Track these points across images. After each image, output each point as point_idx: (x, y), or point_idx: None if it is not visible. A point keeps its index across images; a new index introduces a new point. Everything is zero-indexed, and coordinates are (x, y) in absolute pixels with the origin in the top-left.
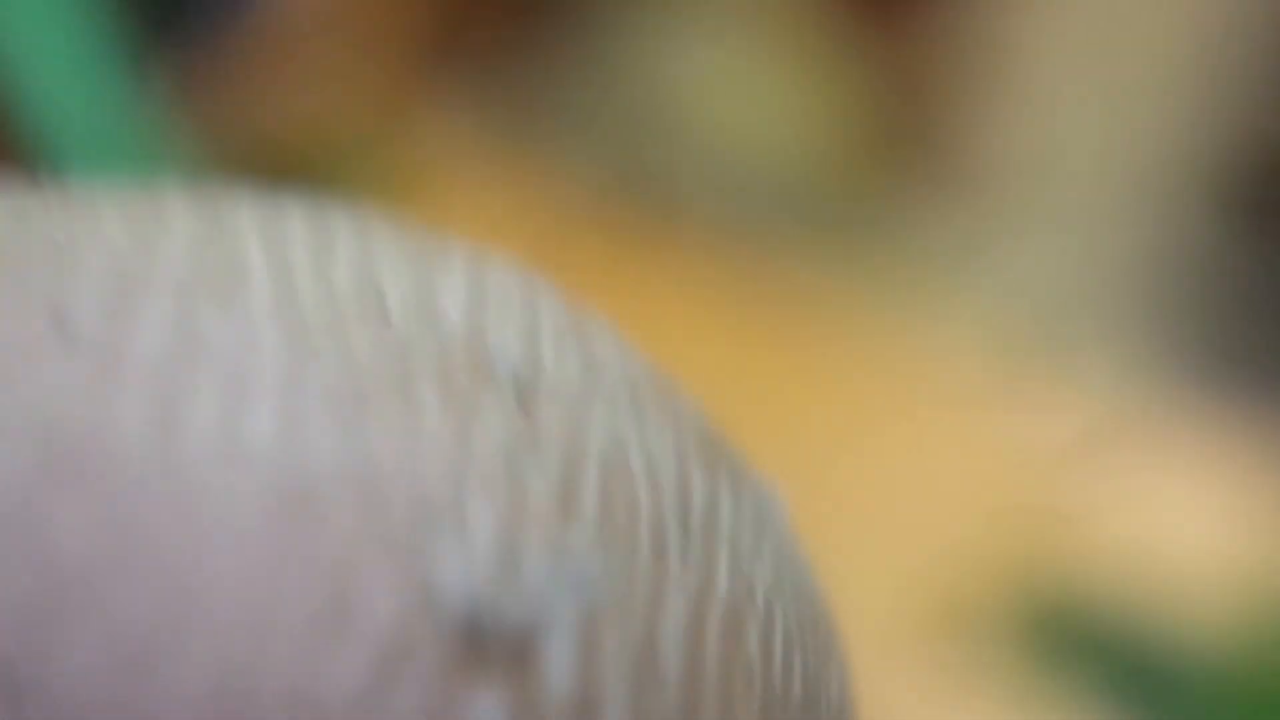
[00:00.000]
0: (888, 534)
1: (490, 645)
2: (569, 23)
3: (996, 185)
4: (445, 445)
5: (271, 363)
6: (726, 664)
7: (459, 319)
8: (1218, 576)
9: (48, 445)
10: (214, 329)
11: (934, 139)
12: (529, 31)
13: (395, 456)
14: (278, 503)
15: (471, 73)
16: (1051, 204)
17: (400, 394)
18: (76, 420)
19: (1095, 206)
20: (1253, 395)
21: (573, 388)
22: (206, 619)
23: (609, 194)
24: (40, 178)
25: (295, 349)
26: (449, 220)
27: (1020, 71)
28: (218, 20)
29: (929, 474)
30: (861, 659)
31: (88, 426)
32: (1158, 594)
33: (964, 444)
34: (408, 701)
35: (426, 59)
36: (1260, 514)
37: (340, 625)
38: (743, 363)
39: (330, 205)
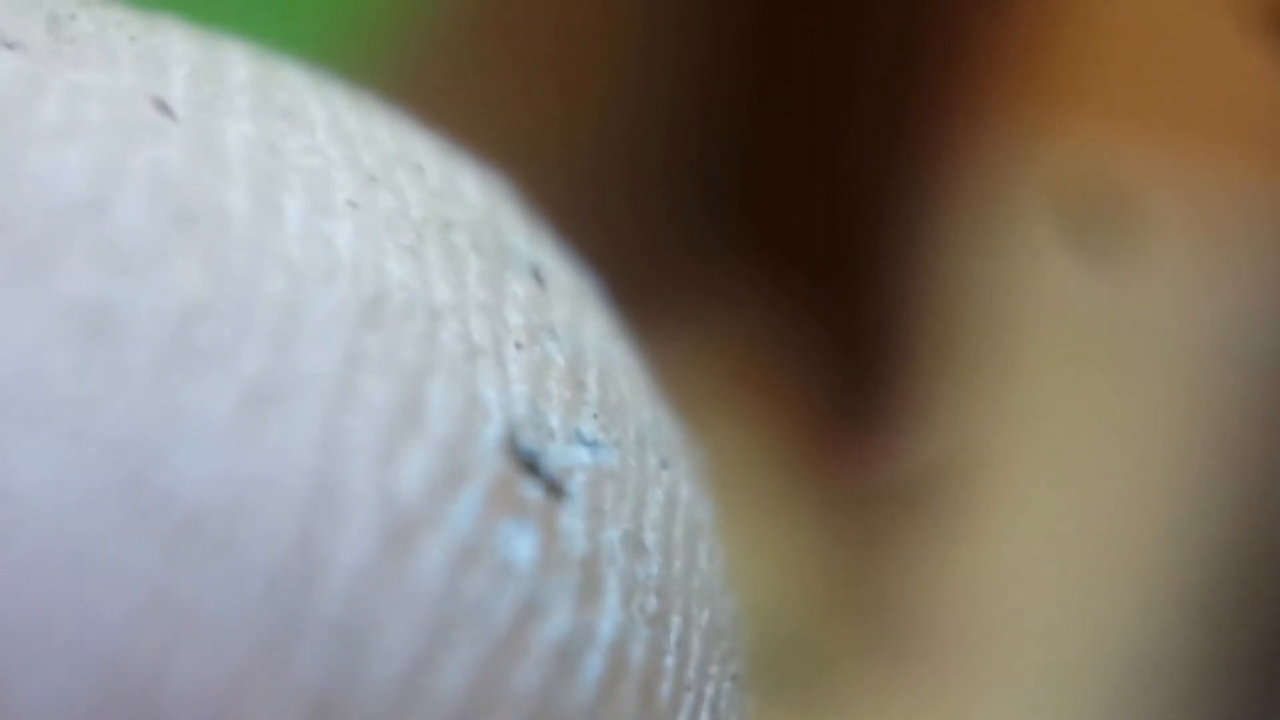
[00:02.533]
0: None
1: (527, 482)
2: None
3: (957, 658)
4: (485, 294)
5: (342, 181)
6: (688, 566)
7: (479, 203)
8: None
9: (169, 202)
10: (288, 139)
11: (896, 618)
12: None
13: (449, 292)
14: (359, 309)
15: None
16: (1014, 680)
17: (445, 241)
18: (189, 183)
19: (1060, 683)
20: None
21: (571, 292)
22: (307, 384)
23: None
24: None
25: (357, 174)
26: None
27: (981, 541)
28: None
29: None
30: None
31: (199, 192)
32: None
33: None
34: (465, 512)
35: None
36: None
37: (414, 424)
38: None
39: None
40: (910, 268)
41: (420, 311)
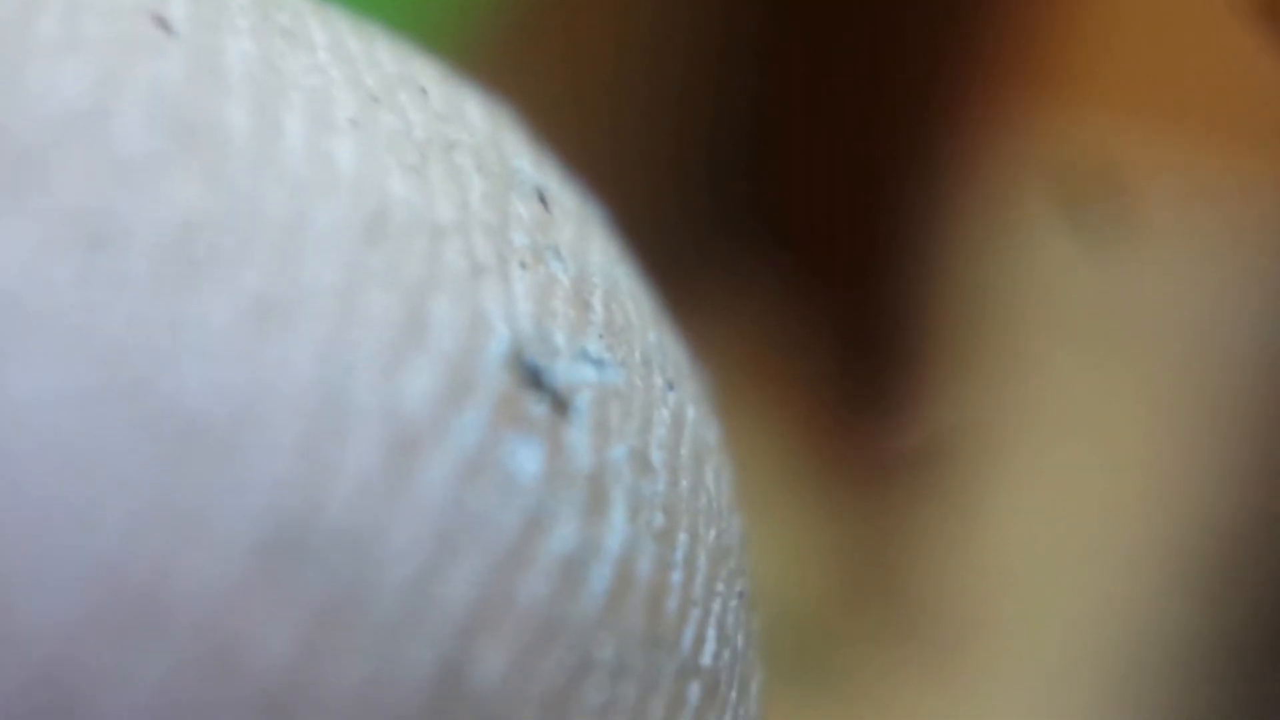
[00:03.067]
0: None
1: (532, 397)
2: None
3: (968, 639)
4: (489, 214)
5: (343, 100)
6: (694, 484)
7: (483, 126)
8: None
9: (168, 115)
10: (289, 58)
11: (906, 599)
12: None
13: (453, 211)
14: (361, 225)
15: None
16: (1025, 660)
17: (448, 161)
18: (188, 98)
19: (1071, 663)
20: None
21: (576, 215)
22: (309, 297)
23: None
24: None
25: (359, 94)
26: None
27: (995, 535)
28: None
29: None
30: None
31: (199, 107)
32: None
33: None
34: (469, 425)
35: None
36: None
37: (418, 338)
38: None
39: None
40: (917, 253)
41: (423, 229)
